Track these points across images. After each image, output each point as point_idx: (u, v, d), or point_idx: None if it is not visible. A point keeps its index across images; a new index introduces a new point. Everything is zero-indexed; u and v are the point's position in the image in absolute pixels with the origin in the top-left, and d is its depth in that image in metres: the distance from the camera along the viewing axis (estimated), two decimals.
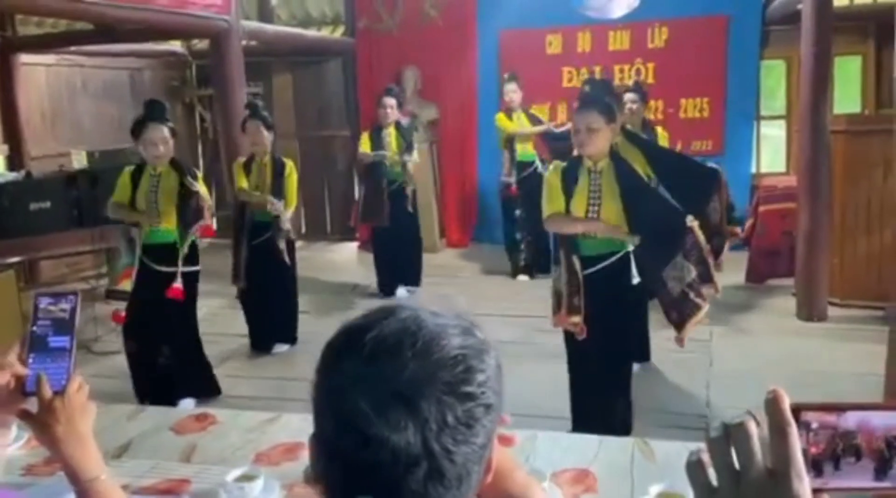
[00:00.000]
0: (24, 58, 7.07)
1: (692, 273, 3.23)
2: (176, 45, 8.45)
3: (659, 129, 5.29)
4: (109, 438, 1.93)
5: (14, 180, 5.67)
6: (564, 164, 3.45)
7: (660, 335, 4.90)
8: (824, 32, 5.09)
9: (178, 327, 4.23)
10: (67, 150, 6.54)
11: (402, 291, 6.37)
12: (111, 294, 4.31)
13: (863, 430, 0.69)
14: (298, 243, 8.37)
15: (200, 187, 4.11)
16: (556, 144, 6.47)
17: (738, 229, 3.65)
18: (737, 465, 0.62)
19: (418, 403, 0.74)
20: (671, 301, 3.28)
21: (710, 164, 3.69)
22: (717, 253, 3.43)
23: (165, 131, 4.01)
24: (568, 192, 3.33)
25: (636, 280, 3.37)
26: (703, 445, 0.65)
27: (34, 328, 1.20)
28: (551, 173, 3.48)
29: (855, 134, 5.37)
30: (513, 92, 6.57)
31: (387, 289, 6.36)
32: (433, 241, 8.10)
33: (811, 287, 5.30)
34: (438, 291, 6.52)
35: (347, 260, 8.03)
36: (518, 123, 6.56)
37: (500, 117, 6.62)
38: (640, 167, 3.46)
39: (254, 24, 7.01)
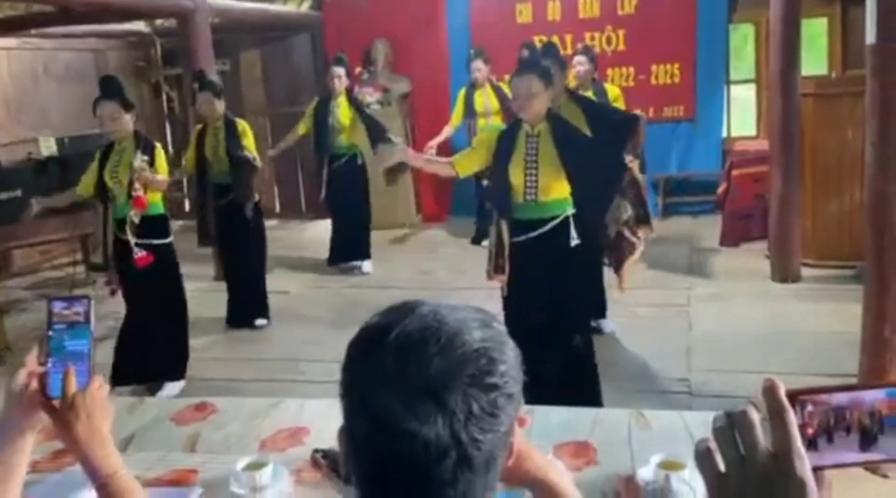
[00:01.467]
0: None
1: (628, 211, 3.30)
2: (140, 25, 8.26)
3: (608, 86, 5.37)
4: (112, 431, 1.93)
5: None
6: (504, 128, 3.54)
7: (638, 301, 5.01)
8: None
9: (165, 301, 4.27)
10: (34, 137, 6.41)
11: (367, 266, 6.44)
12: (90, 266, 4.38)
13: (853, 405, 0.73)
14: (273, 222, 8.40)
15: (159, 164, 4.11)
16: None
17: (642, 178, 3.78)
18: (742, 450, 0.66)
19: (445, 397, 0.77)
20: (609, 243, 3.36)
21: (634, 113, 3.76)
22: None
23: (116, 106, 4.03)
24: (504, 158, 3.37)
25: (575, 242, 3.36)
26: (709, 435, 0.69)
27: (50, 333, 1.21)
28: (486, 135, 3.58)
29: (824, 97, 5.45)
30: (478, 70, 6.60)
31: (335, 259, 6.48)
32: (410, 217, 8.11)
33: (784, 249, 5.41)
34: (418, 266, 6.55)
35: (323, 237, 8.01)
36: (482, 100, 6.63)
37: (459, 98, 6.71)
38: (582, 126, 3.54)
39: (220, 2, 6.88)
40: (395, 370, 0.79)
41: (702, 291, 5.37)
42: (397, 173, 6.28)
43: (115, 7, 5.72)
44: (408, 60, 8.11)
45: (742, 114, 8.02)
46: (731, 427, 0.67)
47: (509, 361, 0.84)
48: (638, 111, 4.79)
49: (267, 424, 1.99)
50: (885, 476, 2.97)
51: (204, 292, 6.07)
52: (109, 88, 4.10)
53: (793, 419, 0.67)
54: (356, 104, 6.19)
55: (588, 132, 3.53)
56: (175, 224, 8.63)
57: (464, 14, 7.94)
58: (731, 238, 6.38)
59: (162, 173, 4.14)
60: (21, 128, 7.11)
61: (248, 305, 5.29)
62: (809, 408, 0.74)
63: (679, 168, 7.67)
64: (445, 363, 0.79)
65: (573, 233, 3.34)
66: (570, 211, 3.39)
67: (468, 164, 3.52)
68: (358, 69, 8.11)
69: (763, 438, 0.66)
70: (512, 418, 0.84)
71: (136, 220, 4.05)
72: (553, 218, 3.36)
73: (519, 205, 3.38)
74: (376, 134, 5.86)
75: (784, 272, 5.40)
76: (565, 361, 3.39)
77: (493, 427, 0.80)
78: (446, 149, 8.17)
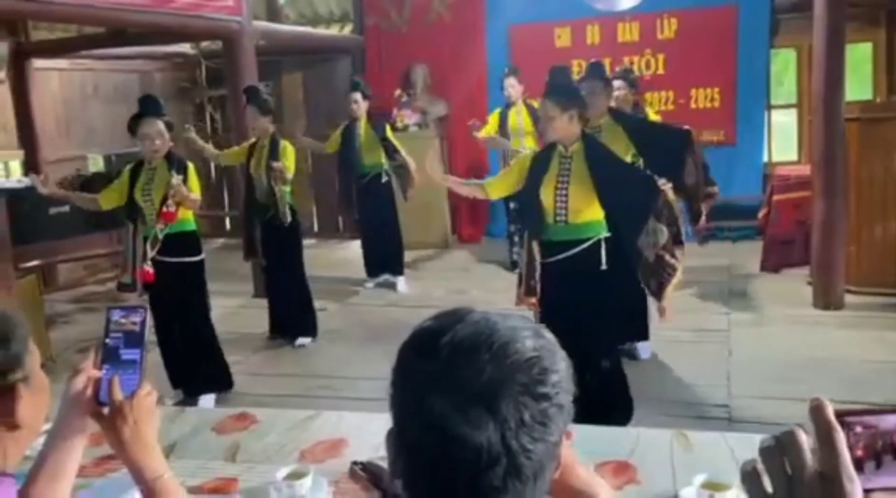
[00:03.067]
0: (38, 63, 7.11)
1: (664, 235, 3.25)
2: (185, 47, 8.47)
3: (651, 113, 5.33)
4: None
5: (34, 186, 5.71)
6: (540, 150, 3.55)
7: (677, 325, 4.94)
8: (837, 20, 5.08)
9: (190, 318, 4.29)
10: (82, 154, 6.59)
11: (401, 285, 6.51)
12: (119, 287, 4.43)
13: None
14: (311, 241, 8.48)
15: (191, 183, 4.12)
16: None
17: (715, 189, 3.71)
18: (789, 471, 0.65)
19: (497, 404, 0.77)
20: (649, 270, 3.31)
21: (683, 127, 3.72)
22: (697, 217, 3.48)
23: (160, 125, 4.04)
24: (537, 179, 3.37)
25: (604, 267, 3.34)
26: (756, 456, 0.68)
27: (107, 340, 1.25)
28: (523, 156, 3.59)
29: (869, 121, 5.36)
30: (511, 86, 6.62)
31: (372, 274, 6.66)
32: (444, 237, 8.14)
33: (827, 275, 5.31)
34: (453, 286, 6.56)
35: (359, 256, 8.07)
36: (515, 119, 6.62)
37: (492, 118, 6.69)
38: (624, 146, 3.52)
39: (265, 24, 7.04)
40: (448, 375, 0.79)
41: (742, 316, 5.28)
42: (409, 188, 6.39)
43: (164, 29, 5.87)
44: (446, 83, 8.19)
45: (783, 139, 7.94)
46: (779, 448, 0.66)
47: (561, 372, 0.84)
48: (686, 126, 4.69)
49: (306, 435, 2.00)
50: None
51: (243, 308, 6.16)
52: (152, 107, 4.12)
53: (842, 439, 0.66)
54: (374, 126, 6.28)
55: (634, 151, 3.51)
56: (216, 242, 8.81)
57: (503, 38, 8.00)
58: (772, 264, 6.28)
59: (195, 192, 4.15)
60: (70, 145, 7.32)
61: (292, 322, 5.34)
62: (858, 430, 0.73)
63: (719, 193, 7.57)
64: (498, 370, 0.79)
65: (604, 257, 3.33)
66: (604, 234, 3.37)
67: (500, 186, 3.57)
68: (397, 92, 8.22)
69: (811, 459, 0.65)
70: (562, 429, 0.84)
71: (161, 236, 4.08)
72: (584, 241, 3.34)
73: (549, 226, 3.38)
74: (389, 154, 6.18)
75: (827, 299, 5.30)
76: (595, 386, 3.35)
77: (543, 436, 0.80)
78: (482, 172, 8.25)
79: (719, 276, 6.27)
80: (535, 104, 6.89)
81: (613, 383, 3.50)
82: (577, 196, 3.31)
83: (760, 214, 6.51)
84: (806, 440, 0.67)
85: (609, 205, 3.29)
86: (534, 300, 3.43)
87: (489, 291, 6.22)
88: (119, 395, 1.20)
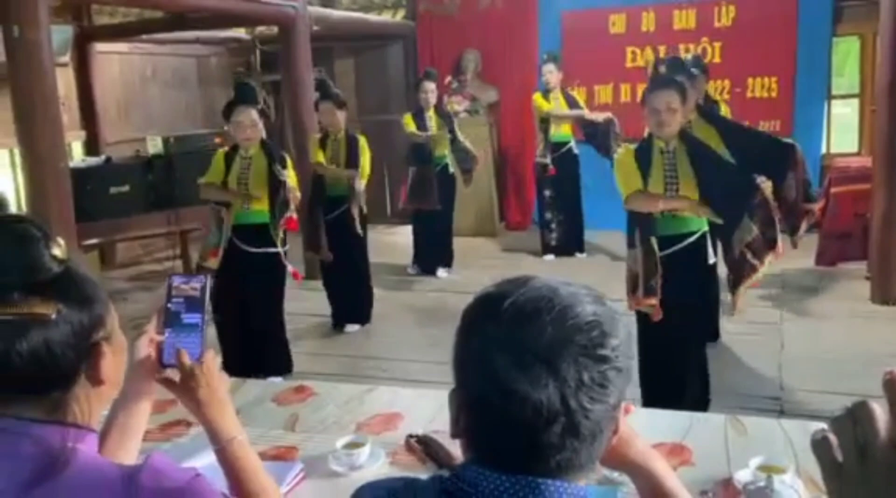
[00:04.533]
0: (99, 47, 7.31)
1: (753, 232, 3.19)
2: (240, 32, 8.61)
3: (722, 105, 5.19)
4: None
5: (96, 165, 5.90)
6: (634, 146, 3.43)
7: (728, 317, 4.89)
8: None
9: (266, 308, 4.32)
10: (141, 136, 6.76)
11: (441, 272, 6.54)
12: (199, 270, 4.47)
13: None
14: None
15: (290, 176, 4.13)
16: (588, 129, 6.51)
17: (814, 206, 3.54)
18: (861, 442, 0.64)
19: (557, 364, 0.80)
20: (731, 263, 3.27)
21: (787, 140, 3.62)
22: (793, 231, 3.39)
23: (254, 114, 4.03)
24: (644, 175, 3.31)
25: (713, 260, 3.35)
26: (825, 425, 0.67)
27: (169, 305, 1.29)
28: (623, 155, 3.46)
29: None
30: (549, 72, 6.57)
31: (422, 268, 6.61)
32: (492, 225, 8.14)
33: (887, 270, 5.18)
34: (500, 273, 6.52)
35: (407, 242, 8.13)
36: (554, 105, 6.57)
37: (537, 97, 6.64)
38: (716, 145, 3.42)
39: (319, 10, 7.11)
40: (510, 335, 0.82)
41: (795, 310, 5.19)
42: (472, 171, 6.39)
43: (222, 14, 5.98)
44: (497, 70, 8.18)
45: (843, 130, 7.73)
46: (851, 418, 0.65)
47: (621, 337, 0.85)
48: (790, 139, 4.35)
49: (362, 408, 2.05)
50: None
51: (292, 290, 6.25)
52: (248, 95, 4.09)
53: None
54: (443, 116, 6.29)
55: (725, 151, 3.39)
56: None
57: (555, 24, 7.95)
58: (828, 258, 6.14)
59: (293, 183, 4.16)
60: (130, 128, 7.51)
61: (347, 309, 5.39)
62: None
63: (817, 211, 7.42)
64: (558, 332, 0.81)
65: (710, 250, 3.33)
66: (706, 227, 3.35)
67: (637, 182, 3.33)
68: (448, 78, 8.23)
69: (884, 429, 0.63)
70: (621, 392, 0.86)
71: (281, 234, 4.12)
72: (691, 234, 3.32)
73: (657, 221, 3.33)
74: (454, 141, 6.16)
75: (885, 294, 5.17)
76: (689, 377, 3.41)
77: (601, 398, 0.82)
78: (531, 159, 8.23)
79: (773, 268, 6.10)
80: (577, 93, 6.88)
81: (704, 376, 3.54)
82: (685, 190, 3.27)
83: (817, 207, 6.36)
84: (880, 412, 0.66)
85: (710, 200, 3.24)
86: (654, 301, 3.28)
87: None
88: (188, 359, 1.24)
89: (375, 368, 4.60)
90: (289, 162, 4.22)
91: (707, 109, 3.97)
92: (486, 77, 8.28)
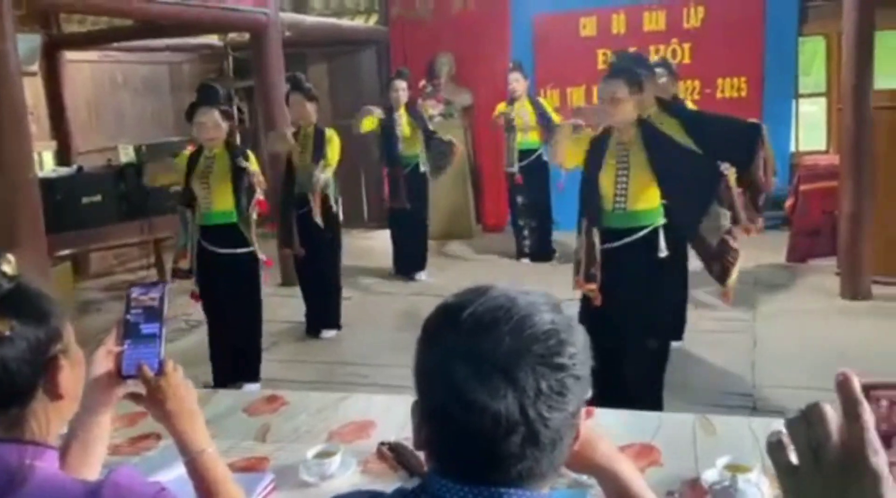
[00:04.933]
0: (69, 55, 7.23)
1: (727, 218, 3.20)
2: (213, 39, 8.56)
3: (690, 104, 5.26)
4: None
5: (67, 175, 5.84)
6: (595, 134, 3.44)
7: (700, 315, 4.95)
8: (867, 6, 5.02)
9: (242, 311, 4.32)
10: (113, 145, 6.70)
11: (421, 275, 6.54)
12: (174, 273, 4.48)
13: None
14: None
15: (252, 165, 4.15)
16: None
17: (773, 179, 3.56)
18: (814, 444, 0.65)
19: (516, 373, 0.81)
20: (712, 254, 3.26)
21: (751, 120, 3.62)
22: (756, 208, 3.40)
23: (216, 115, 4.05)
24: (595, 164, 3.33)
25: (664, 254, 3.32)
26: (782, 428, 0.68)
27: (127, 317, 1.29)
28: (582, 138, 3.48)
29: None
30: (515, 81, 6.62)
31: (400, 271, 6.59)
32: (469, 226, 8.16)
33: (855, 266, 5.27)
34: (477, 275, 6.58)
35: (384, 246, 8.13)
36: (520, 114, 6.61)
37: (499, 107, 6.72)
38: (679, 137, 3.40)
39: (291, 16, 7.10)
40: (469, 346, 0.83)
41: (767, 307, 5.26)
42: (445, 166, 6.38)
43: (192, 21, 5.95)
44: (471, 73, 8.20)
45: (811, 128, 7.85)
46: (805, 421, 0.67)
47: (578, 345, 0.87)
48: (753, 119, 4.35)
49: (335, 416, 2.05)
50: None
51: (269, 297, 6.22)
52: (211, 96, 4.12)
53: (867, 412, 0.66)
54: (414, 116, 6.29)
55: (690, 143, 3.35)
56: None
57: (527, 28, 7.99)
58: (798, 254, 6.23)
59: (256, 169, 4.17)
60: (101, 136, 7.44)
61: (319, 314, 5.38)
62: (885, 403, 0.74)
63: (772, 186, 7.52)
64: (516, 342, 0.83)
65: (662, 244, 3.30)
66: (661, 222, 3.35)
67: (573, 158, 3.48)
68: (422, 82, 8.24)
69: (837, 432, 0.65)
70: (580, 400, 0.87)
71: (232, 221, 4.12)
72: (642, 227, 3.32)
73: (608, 213, 3.34)
74: (429, 138, 6.12)
75: (854, 289, 5.26)
76: (636, 373, 3.37)
77: (560, 406, 0.83)
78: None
79: (745, 266, 6.17)
80: (545, 101, 6.93)
81: (652, 377, 3.49)
82: (636, 183, 3.27)
83: (787, 204, 6.46)
84: (832, 413, 0.67)
85: (670, 191, 3.24)
86: (593, 286, 3.34)
87: (515, 281, 6.21)
88: (150, 373, 1.24)
89: (353, 374, 4.59)
90: (251, 156, 4.23)
91: (668, 103, 3.98)
92: (460, 80, 8.30)
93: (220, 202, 4.13)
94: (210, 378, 4.27)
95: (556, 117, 6.67)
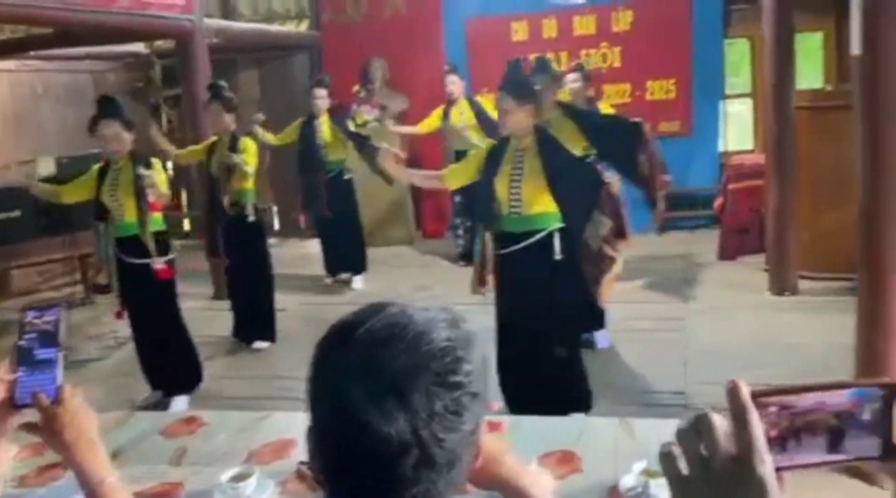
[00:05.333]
0: None
1: (606, 226, 3.33)
2: (139, 46, 8.33)
3: (603, 107, 5.39)
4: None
5: None
6: (495, 142, 3.59)
7: (635, 314, 5.01)
8: (785, 9, 5.16)
9: (163, 319, 4.27)
10: (33, 158, 6.45)
11: (357, 283, 6.51)
12: (94, 288, 4.40)
13: (819, 407, 0.73)
14: (272, 240, 8.39)
15: (154, 173, 4.11)
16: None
17: (667, 177, 3.75)
18: (704, 453, 0.65)
19: (408, 394, 0.79)
20: (590, 257, 3.39)
21: (634, 120, 3.79)
22: (652, 203, 3.53)
23: (117, 126, 4.05)
24: (492, 171, 3.42)
25: (558, 256, 3.37)
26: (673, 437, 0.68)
27: (20, 342, 1.21)
28: (478, 149, 3.65)
29: (819, 109, 5.47)
30: (452, 83, 6.67)
31: (332, 273, 6.59)
32: (408, 233, 8.12)
33: (782, 261, 5.41)
34: (416, 282, 6.56)
35: (320, 254, 8.04)
36: (458, 116, 6.66)
37: (434, 114, 6.76)
38: (576, 140, 3.56)
39: (218, 22, 6.96)
40: (361, 365, 0.80)
41: (699, 304, 5.36)
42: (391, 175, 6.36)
43: (113, 29, 5.77)
44: (405, 78, 8.17)
45: (739, 128, 8.05)
46: (694, 430, 0.67)
47: (476, 361, 0.85)
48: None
49: (255, 437, 1.99)
50: (881, 487, 2.95)
51: (203, 311, 6.08)
52: (111, 108, 4.12)
53: (756, 420, 0.66)
54: (337, 123, 6.26)
55: (586, 144, 3.53)
56: (175, 243, 8.68)
57: (460, 32, 8.00)
58: (729, 252, 6.38)
59: (162, 187, 4.15)
60: (20, 149, 7.16)
61: (251, 325, 5.29)
62: (774, 409, 0.74)
63: (676, 183, 7.60)
64: (410, 360, 0.80)
65: (557, 247, 3.35)
66: (557, 225, 3.41)
67: (459, 176, 3.63)
68: (355, 88, 8.17)
69: (724, 440, 0.65)
70: (477, 417, 0.85)
71: (153, 229, 4.09)
72: (537, 231, 3.38)
73: (504, 217, 3.42)
74: (360, 143, 6.05)
75: (782, 285, 5.40)
76: (553, 374, 3.42)
77: (456, 426, 0.81)
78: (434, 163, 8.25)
79: (677, 265, 6.35)
80: (485, 101, 6.95)
81: (573, 374, 3.53)
82: (529, 188, 3.36)
83: (716, 204, 6.61)
84: (720, 422, 0.67)
85: (559, 197, 3.34)
86: (483, 290, 3.49)
87: (453, 285, 6.21)
88: (45, 401, 1.17)
89: (284, 388, 4.49)
90: (156, 164, 4.20)
91: (569, 107, 4.09)
92: (395, 85, 8.25)
93: (129, 213, 4.11)
94: (135, 395, 4.17)
95: (495, 115, 6.72)
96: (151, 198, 4.04)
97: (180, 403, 4.29)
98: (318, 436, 0.84)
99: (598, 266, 3.35)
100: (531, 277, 3.37)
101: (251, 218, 5.08)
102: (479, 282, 3.51)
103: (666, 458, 0.68)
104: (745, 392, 0.70)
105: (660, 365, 4.33)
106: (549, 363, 3.39)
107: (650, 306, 5.21)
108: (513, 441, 1.77)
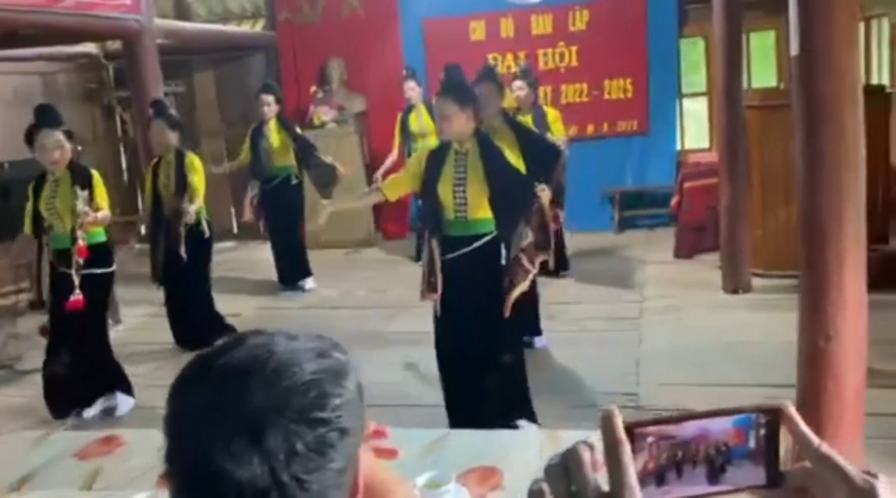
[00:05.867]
0: None
1: (528, 238, 3.34)
2: (90, 47, 8.15)
3: (549, 110, 5.45)
4: (11, 469, 1.86)
5: None
6: (435, 147, 3.57)
7: (589, 315, 5.01)
8: (734, 9, 5.19)
9: (88, 330, 4.14)
10: None
11: (309, 283, 6.47)
12: (31, 304, 4.25)
13: (700, 438, 0.71)
14: (231, 244, 8.29)
15: (93, 198, 4.00)
16: None
17: (558, 209, 4.08)
18: (573, 490, 0.63)
19: (264, 434, 0.73)
20: (507, 266, 3.35)
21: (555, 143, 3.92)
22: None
23: (59, 136, 3.95)
24: (434, 176, 3.39)
25: (504, 261, 3.37)
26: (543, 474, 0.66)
27: None
28: (416, 155, 3.64)
29: (770, 108, 5.49)
30: (411, 89, 6.70)
31: (285, 283, 6.51)
32: (368, 235, 8.05)
33: (735, 259, 5.43)
34: (373, 285, 6.50)
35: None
36: (417, 121, 6.69)
37: (399, 121, 6.77)
38: (512, 150, 3.57)
39: (168, 23, 6.82)
40: (215, 404, 0.75)
41: (654, 304, 5.37)
42: (331, 188, 6.32)
43: (58, 30, 5.62)
44: (363, 79, 8.10)
45: (695, 127, 8.11)
46: (563, 466, 0.64)
47: (346, 394, 0.79)
48: (561, 141, 4.99)
49: None
50: None
51: (152, 317, 5.96)
52: (51, 117, 4.00)
53: (627, 455, 0.64)
54: (287, 127, 6.22)
55: (516, 156, 3.56)
56: (137, 246, 8.53)
57: (418, 32, 7.95)
58: (685, 250, 6.41)
59: (102, 204, 4.06)
60: None
61: (200, 330, 5.18)
62: (652, 440, 0.71)
63: (634, 182, 7.71)
64: (267, 397, 0.74)
65: (503, 252, 3.35)
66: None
67: (396, 187, 3.58)
68: (313, 88, 8.09)
69: (593, 477, 0.63)
70: (349, 454, 0.80)
71: (81, 262, 3.95)
72: (482, 235, 3.36)
73: (450, 222, 3.40)
74: (306, 155, 6.07)
75: (735, 283, 5.42)
76: (496, 379, 3.40)
77: (322, 465, 0.75)
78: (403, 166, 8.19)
79: (633, 264, 6.37)
80: None
81: (516, 380, 3.52)
82: (473, 192, 3.34)
83: (672, 202, 6.64)
84: (588, 457, 0.65)
85: (495, 202, 3.33)
86: (435, 296, 3.43)
87: (411, 288, 6.12)
88: None
89: None
90: (97, 179, 4.09)
91: (510, 117, 4.18)
92: (353, 86, 8.18)
93: (68, 225, 4.00)
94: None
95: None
96: (82, 240, 3.90)
97: (125, 405, 4.22)
98: (174, 479, 0.78)
99: (512, 274, 3.33)
100: (478, 281, 3.34)
101: (206, 234, 5.04)
102: (430, 288, 3.45)
103: (535, 495, 0.65)
104: (619, 424, 0.68)
105: (613, 366, 4.32)
106: (493, 370, 3.37)
107: (604, 306, 5.21)
108: (435, 459, 1.72)
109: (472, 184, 3.32)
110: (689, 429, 0.71)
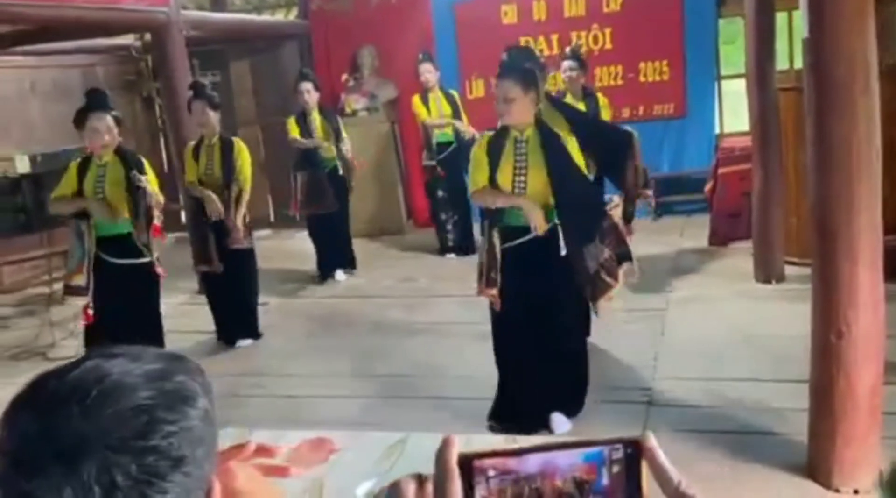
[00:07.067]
0: None
1: (605, 254, 3.23)
2: (128, 39, 8.30)
3: (599, 96, 5.19)
4: None
5: None
6: (491, 134, 3.41)
7: (612, 304, 4.87)
8: None
9: (144, 323, 4.17)
10: (10, 156, 6.45)
11: (340, 275, 6.43)
12: (68, 290, 4.27)
13: (546, 472, 0.66)
14: (266, 231, 8.37)
15: (149, 182, 4.04)
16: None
17: (648, 192, 3.66)
18: None
19: (79, 464, 0.70)
20: (587, 277, 3.27)
21: (625, 128, 3.70)
22: (628, 219, 3.44)
23: (109, 120, 3.98)
24: (494, 164, 3.30)
25: (564, 252, 3.28)
26: None
27: None
28: (477, 147, 3.45)
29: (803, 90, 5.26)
30: (428, 72, 6.57)
31: (325, 273, 6.45)
32: (400, 223, 8.04)
33: (767, 248, 5.24)
34: (402, 274, 6.49)
35: (309, 247, 7.99)
36: (435, 105, 6.57)
37: (416, 102, 6.65)
38: (564, 133, 3.43)
39: (196, 14, 6.88)
40: (39, 430, 0.71)
41: (681, 293, 5.22)
42: (350, 178, 6.31)
43: (86, 24, 5.72)
44: (394, 66, 8.05)
45: (735, 109, 7.83)
46: None
47: (184, 421, 0.75)
48: (629, 127, 4.64)
49: None
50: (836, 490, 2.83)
51: (185, 305, 6.07)
52: (103, 101, 4.03)
53: (456, 487, 0.62)
54: (328, 118, 6.20)
55: (573, 139, 3.39)
56: (171, 235, 8.70)
57: (449, 17, 7.86)
58: (719, 238, 6.22)
59: (156, 189, 4.08)
60: (9, 145, 7.16)
61: (234, 324, 5.23)
62: (492, 473, 0.67)
63: (671, 167, 7.50)
64: (87, 425, 0.71)
65: (562, 242, 3.25)
66: (557, 220, 3.31)
67: (484, 178, 3.37)
68: (344, 76, 8.08)
69: None
70: (189, 485, 0.75)
71: (126, 231, 4.02)
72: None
73: (508, 210, 3.31)
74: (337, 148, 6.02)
75: (767, 272, 5.23)
76: (557, 369, 3.38)
77: (151, 497, 0.72)
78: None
79: (666, 252, 6.21)
80: (455, 93, 6.84)
81: (582, 369, 3.52)
82: (534, 181, 3.25)
83: (707, 188, 6.44)
84: (413, 491, 0.65)
85: (560, 202, 3.23)
86: (494, 292, 3.32)
87: (438, 278, 6.16)
88: None
89: (256, 386, 4.46)
90: (147, 166, 4.12)
91: (555, 98, 3.97)
92: (384, 73, 8.14)
93: (118, 212, 4.02)
94: None
95: (464, 116, 6.67)
96: (157, 221, 3.97)
97: None
98: None
99: (594, 286, 3.25)
100: (537, 271, 3.27)
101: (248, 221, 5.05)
102: (488, 283, 3.32)
103: None
104: (452, 454, 0.66)
105: (630, 359, 4.22)
106: (555, 361, 3.35)
107: (631, 297, 5.07)
108: (393, 462, 1.69)
109: (533, 171, 3.23)
110: (533, 463, 0.67)
